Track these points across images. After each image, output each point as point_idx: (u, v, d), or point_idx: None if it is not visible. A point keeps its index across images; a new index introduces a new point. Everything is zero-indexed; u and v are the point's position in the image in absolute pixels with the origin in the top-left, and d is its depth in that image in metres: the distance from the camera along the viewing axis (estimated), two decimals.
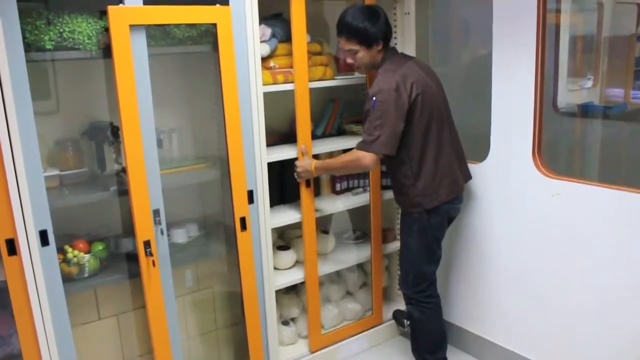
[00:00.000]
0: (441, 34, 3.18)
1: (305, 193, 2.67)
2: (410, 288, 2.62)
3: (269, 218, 2.54)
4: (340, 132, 3.09)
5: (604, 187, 2.27)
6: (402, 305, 3.31)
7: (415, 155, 2.41)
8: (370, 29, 2.36)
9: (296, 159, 2.65)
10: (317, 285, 2.81)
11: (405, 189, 2.48)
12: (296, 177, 2.65)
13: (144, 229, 2.15)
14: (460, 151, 2.62)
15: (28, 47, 1.89)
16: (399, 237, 3.23)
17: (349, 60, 2.50)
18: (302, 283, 2.94)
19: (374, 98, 2.32)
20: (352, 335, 3.04)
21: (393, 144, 2.33)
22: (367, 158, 2.35)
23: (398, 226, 3.24)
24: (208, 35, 2.31)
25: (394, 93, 2.30)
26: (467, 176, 2.68)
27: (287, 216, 2.71)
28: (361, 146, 2.37)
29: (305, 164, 2.59)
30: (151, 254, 2.17)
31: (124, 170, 2.21)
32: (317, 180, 2.93)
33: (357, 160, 2.39)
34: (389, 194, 3.05)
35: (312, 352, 2.87)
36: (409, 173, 2.44)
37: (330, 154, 2.82)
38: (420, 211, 2.47)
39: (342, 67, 2.87)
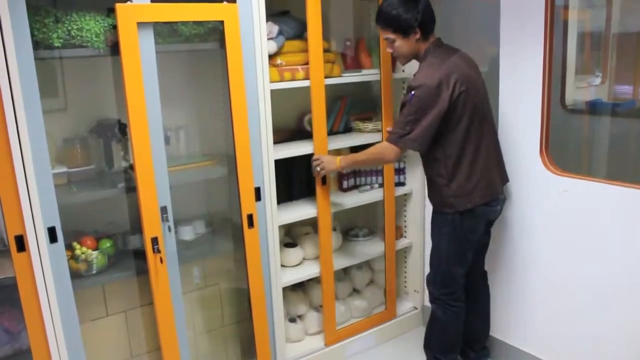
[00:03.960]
0: (448, 30, 3.16)
1: (320, 190, 2.68)
2: (437, 288, 2.56)
3: (276, 215, 2.54)
4: (348, 130, 3.09)
5: (612, 184, 2.26)
6: (410, 304, 3.32)
7: (452, 155, 2.32)
8: (403, 17, 2.26)
9: (304, 156, 2.65)
10: (332, 280, 2.83)
11: (439, 187, 2.40)
12: (316, 172, 2.61)
13: (152, 225, 2.16)
14: (499, 151, 2.54)
15: (36, 44, 1.90)
16: (405, 234, 3.25)
17: (388, 50, 2.43)
18: (309, 280, 2.95)
19: (412, 92, 2.24)
20: (365, 330, 3.05)
21: (423, 141, 2.27)
22: (392, 153, 2.31)
23: (405, 223, 3.24)
24: (215, 32, 2.31)
25: (434, 90, 2.21)
26: (505, 178, 2.58)
27: (295, 213, 2.72)
28: (390, 138, 2.31)
29: (330, 159, 2.56)
30: (159, 251, 2.17)
31: (131, 167, 2.22)
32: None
33: (381, 154, 2.36)
34: (398, 191, 3.06)
35: (327, 346, 2.89)
36: (443, 172, 2.36)
37: (338, 152, 2.82)
38: (454, 212, 2.39)
39: (349, 65, 2.87)
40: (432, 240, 2.57)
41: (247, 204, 2.41)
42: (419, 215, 3.15)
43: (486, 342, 2.85)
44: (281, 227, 2.66)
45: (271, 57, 2.47)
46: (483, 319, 2.79)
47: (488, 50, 2.84)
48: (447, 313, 2.56)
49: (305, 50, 2.55)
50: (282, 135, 2.81)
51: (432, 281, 2.58)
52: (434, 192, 2.46)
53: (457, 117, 2.28)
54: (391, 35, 2.34)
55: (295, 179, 2.85)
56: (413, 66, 2.94)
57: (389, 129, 2.74)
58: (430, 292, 2.62)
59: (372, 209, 3.29)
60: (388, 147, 2.32)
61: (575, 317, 2.48)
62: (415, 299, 3.29)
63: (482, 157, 2.37)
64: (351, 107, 3.09)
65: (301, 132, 2.89)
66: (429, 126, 2.24)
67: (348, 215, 3.24)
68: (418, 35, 2.32)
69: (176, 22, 2.20)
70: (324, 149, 2.66)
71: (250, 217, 2.42)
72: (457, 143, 2.32)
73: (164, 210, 2.18)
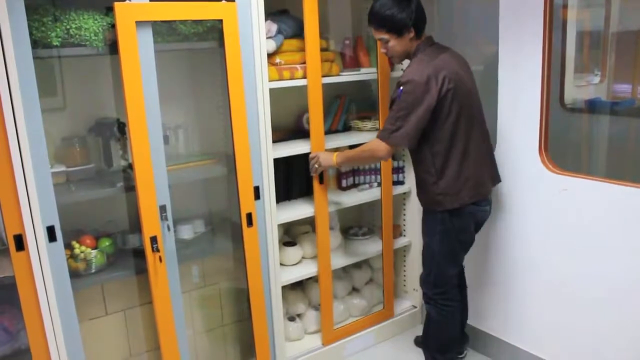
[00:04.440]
0: (447, 29, 3.16)
1: (318, 189, 2.68)
2: (430, 288, 2.56)
3: (276, 214, 2.54)
4: (346, 129, 3.09)
5: (611, 183, 2.26)
6: (409, 302, 3.33)
7: (439, 152, 2.33)
8: (398, 16, 2.28)
9: (303, 155, 2.65)
10: (330, 279, 2.82)
11: (427, 186, 2.41)
12: (313, 169, 2.62)
13: (151, 225, 2.16)
14: (491, 151, 2.54)
15: (35, 44, 1.90)
16: (405, 233, 3.25)
17: (382, 50, 2.44)
18: (308, 279, 2.95)
19: (401, 88, 2.25)
20: (363, 330, 3.05)
21: (412, 137, 2.27)
22: (384, 149, 2.31)
23: (404, 223, 3.25)
24: (214, 31, 2.31)
25: (423, 86, 2.22)
26: (497, 179, 2.58)
27: (294, 212, 2.72)
28: (381, 135, 2.32)
29: (326, 156, 2.57)
30: (158, 250, 2.17)
31: (130, 166, 2.22)
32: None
33: (372, 151, 2.36)
34: (397, 190, 3.06)
35: (324, 346, 2.88)
36: (432, 170, 2.37)
37: (337, 150, 2.82)
38: (443, 211, 2.39)
39: (348, 63, 2.87)
40: (423, 240, 2.57)
41: (246, 203, 2.41)
42: (418, 214, 3.13)
43: (465, 328, 2.89)
44: (280, 226, 2.67)
45: (270, 56, 2.47)
46: (461, 307, 2.79)
47: (487, 48, 2.85)
48: (441, 313, 2.56)
49: (304, 49, 2.55)
50: (281, 134, 2.81)
51: (425, 281, 2.59)
52: (422, 190, 2.47)
53: (444, 113, 2.28)
54: (385, 36, 2.35)
55: (294, 178, 2.85)
56: None
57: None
58: (424, 293, 2.63)
59: (371, 208, 3.30)
60: (379, 144, 2.33)
61: (574, 316, 2.48)
62: (415, 297, 3.30)
63: (471, 155, 2.37)
64: (350, 105, 3.09)
65: (300, 131, 2.89)
66: (418, 122, 2.25)
67: (348, 214, 3.24)
68: (412, 34, 2.34)
69: (175, 21, 2.20)
70: (321, 147, 2.66)
71: (249, 216, 2.42)
72: (445, 140, 2.32)
73: (163, 209, 2.18)
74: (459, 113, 2.31)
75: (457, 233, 2.45)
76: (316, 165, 2.61)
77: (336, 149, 2.82)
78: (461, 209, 2.39)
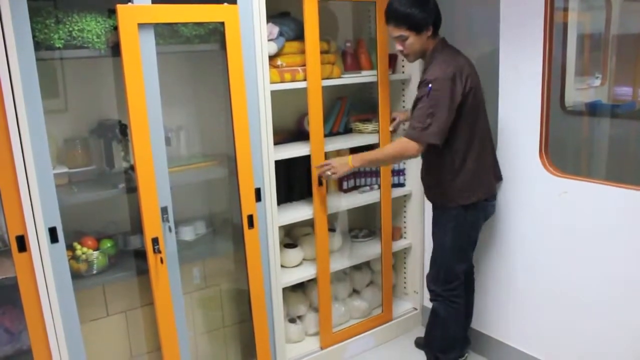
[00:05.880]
0: (448, 30, 3.17)
1: (317, 191, 2.68)
2: (440, 286, 2.58)
3: (277, 216, 2.54)
4: (347, 131, 3.09)
5: (612, 186, 2.27)
6: (409, 304, 3.32)
7: (459, 149, 2.37)
8: (419, 14, 2.31)
9: (304, 157, 2.65)
10: (328, 282, 2.83)
11: (443, 183, 2.44)
12: (326, 176, 2.57)
13: (152, 226, 2.16)
14: (494, 149, 2.59)
15: (38, 45, 1.91)
16: (405, 235, 3.25)
17: (398, 47, 2.43)
18: (309, 281, 2.95)
19: (430, 85, 2.27)
20: (362, 333, 3.04)
21: (442, 134, 2.29)
22: (415, 148, 2.30)
23: (405, 225, 3.25)
24: (216, 33, 2.32)
25: (450, 83, 2.25)
26: (499, 176, 2.64)
27: (295, 214, 2.72)
28: (411, 134, 2.31)
29: (341, 161, 2.52)
30: (159, 251, 2.18)
31: (132, 168, 2.23)
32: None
33: (405, 151, 2.33)
34: (398, 192, 3.06)
35: (323, 349, 2.88)
36: (450, 167, 2.40)
37: (338, 152, 2.83)
38: (457, 207, 2.44)
39: (349, 66, 2.88)
40: (435, 239, 2.59)
41: (248, 205, 2.41)
42: (419, 216, 3.15)
43: (467, 332, 2.90)
44: (281, 227, 2.67)
45: (271, 58, 2.47)
46: (467, 309, 2.81)
47: (487, 50, 2.85)
48: (448, 310, 2.58)
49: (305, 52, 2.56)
50: (283, 136, 2.82)
51: (435, 279, 2.60)
52: (437, 187, 2.49)
53: (466, 112, 2.33)
54: (405, 33, 2.36)
55: (295, 180, 2.86)
56: (412, 67, 2.95)
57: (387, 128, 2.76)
58: (432, 291, 2.64)
59: (372, 210, 3.30)
60: (409, 143, 2.32)
61: (575, 318, 2.48)
62: (415, 299, 3.30)
63: (486, 152, 2.45)
64: (352, 108, 3.09)
65: (301, 133, 2.89)
66: (447, 119, 2.28)
67: (349, 216, 3.24)
68: (430, 32, 2.37)
69: (177, 23, 2.21)
70: (320, 150, 2.66)
71: (250, 217, 2.42)
72: (465, 138, 2.37)
73: (164, 210, 2.18)
74: (478, 112, 2.38)
75: (468, 229, 2.50)
76: (328, 173, 2.54)
77: (338, 152, 2.83)
78: (475, 204, 2.45)
